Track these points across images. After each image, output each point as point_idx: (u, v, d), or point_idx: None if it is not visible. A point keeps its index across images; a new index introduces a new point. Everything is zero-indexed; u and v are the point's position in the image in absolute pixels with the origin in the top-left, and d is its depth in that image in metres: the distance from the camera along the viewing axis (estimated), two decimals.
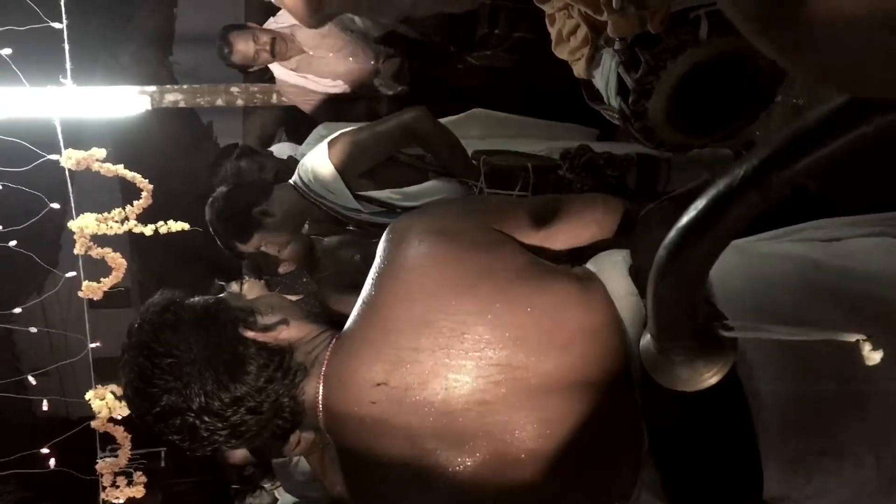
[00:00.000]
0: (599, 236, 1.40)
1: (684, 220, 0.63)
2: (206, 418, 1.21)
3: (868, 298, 1.18)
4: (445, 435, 1.17)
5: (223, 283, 3.69)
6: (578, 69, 2.17)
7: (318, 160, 2.63)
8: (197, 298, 1.33)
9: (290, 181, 2.75)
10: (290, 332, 1.29)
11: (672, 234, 0.65)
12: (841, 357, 1.10)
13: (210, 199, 2.82)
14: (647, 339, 0.78)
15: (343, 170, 2.59)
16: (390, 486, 1.22)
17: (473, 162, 2.64)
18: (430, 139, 2.65)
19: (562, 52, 2.18)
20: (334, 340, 1.29)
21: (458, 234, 1.26)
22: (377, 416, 1.20)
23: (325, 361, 1.26)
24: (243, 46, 3.64)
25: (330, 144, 2.62)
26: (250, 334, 1.26)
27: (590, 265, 1.34)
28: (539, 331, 1.19)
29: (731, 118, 2.08)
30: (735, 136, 2.15)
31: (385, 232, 1.31)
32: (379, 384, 1.19)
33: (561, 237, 1.38)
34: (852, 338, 0.65)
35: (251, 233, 2.72)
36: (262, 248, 2.75)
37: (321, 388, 1.25)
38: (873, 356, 0.63)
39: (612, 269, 1.29)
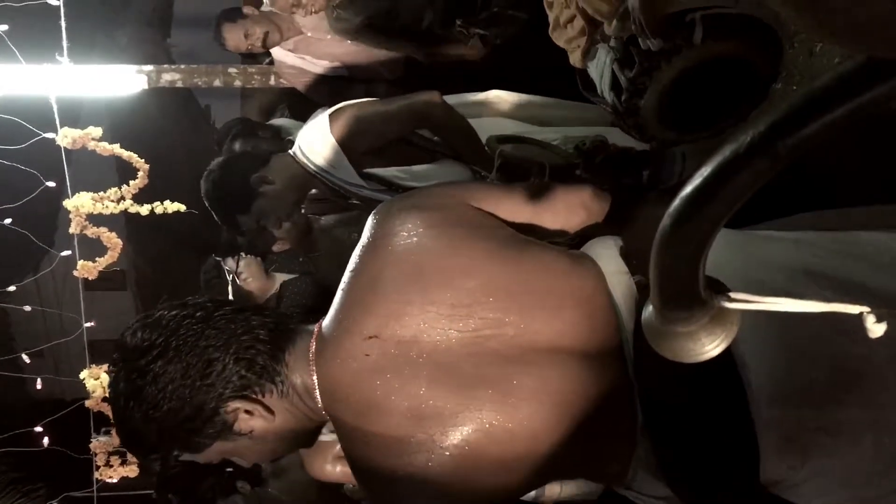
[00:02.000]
0: (588, 221, 1.41)
1: (689, 188, 0.63)
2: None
3: (864, 283, 1.18)
4: (440, 387, 1.18)
5: (219, 258, 3.67)
6: (574, 59, 2.17)
7: (318, 133, 2.51)
8: None
9: (290, 151, 2.63)
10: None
11: (676, 202, 0.64)
12: (836, 341, 1.10)
13: (206, 172, 2.71)
14: (649, 309, 0.78)
15: (346, 145, 2.46)
16: (388, 444, 1.21)
17: (487, 149, 2.52)
18: (442, 126, 2.54)
19: (559, 39, 2.18)
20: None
21: (442, 209, 1.29)
22: (371, 369, 1.20)
23: (318, 325, 1.28)
24: (235, 40, 3.62)
25: (332, 118, 2.48)
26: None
27: (583, 249, 1.36)
28: (528, 291, 1.21)
29: (723, 116, 2.08)
30: (725, 133, 2.15)
31: (371, 215, 1.33)
32: (370, 337, 1.20)
33: (547, 219, 1.38)
34: (856, 310, 0.64)
35: (250, 203, 2.60)
36: (262, 222, 2.63)
37: (313, 348, 1.25)
38: (877, 329, 0.63)
39: (604, 250, 1.31)
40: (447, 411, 1.16)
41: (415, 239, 1.24)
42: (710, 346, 0.75)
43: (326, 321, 1.28)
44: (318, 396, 1.25)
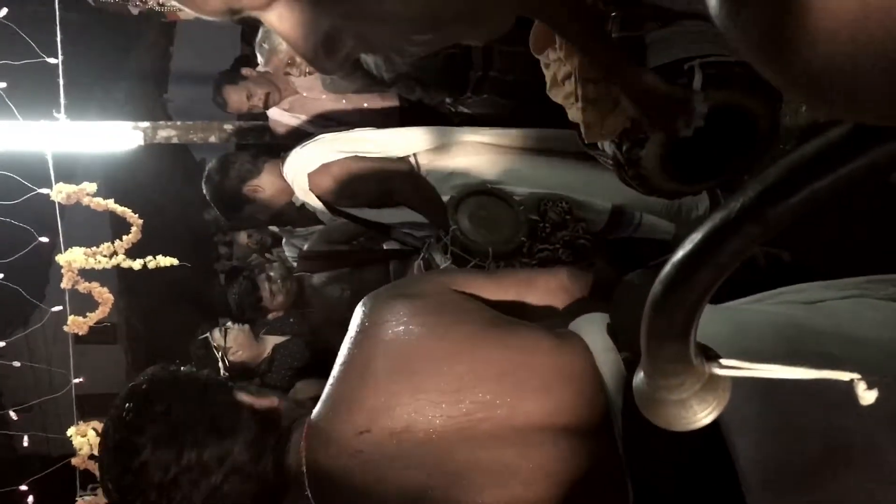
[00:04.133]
0: (570, 301, 1.43)
1: (679, 253, 0.62)
2: (194, 471, 1.20)
3: (848, 356, 1.18)
4: (436, 476, 1.15)
5: (207, 334, 3.66)
6: (572, 114, 2.18)
7: (299, 183, 2.90)
8: (186, 369, 1.35)
9: (280, 160, 3.05)
10: (280, 403, 1.32)
11: (667, 268, 0.64)
12: (824, 412, 1.09)
13: (206, 173, 3.18)
14: (639, 376, 0.77)
15: (322, 197, 2.88)
16: None
17: (447, 205, 2.71)
18: (407, 197, 2.83)
19: (556, 96, 2.20)
20: (317, 404, 1.30)
21: (427, 297, 1.30)
22: (364, 466, 1.18)
23: (307, 423, 1.26)
24: (237, 101, 3.68)
25: (311, 177, 2.84)
26: (245, 398, 1.28)
27: (570, 327, 1.35)
28: (517, 371, 1.20)
29: (725, 166, 2.09)
30: (729, 183, 2.16)
31: (358, 304, 1.34)
32: (362, 432, 1.18)
33: (529, 303, 1.41)
34: (847, 377, 0.64)
35: (244, 204, 3.10)
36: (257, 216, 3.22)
37: (304, 447, 1.24)
38: (868, 396, 0.62)
39: (590, 326, 1.31)
40: (447, 501, 1.14)
41: (401, 328, 1.23)
42: (703, 414, 0.75)
43: (317, 416, 1.26)
44: (309, 494, 1.24)
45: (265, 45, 3.53)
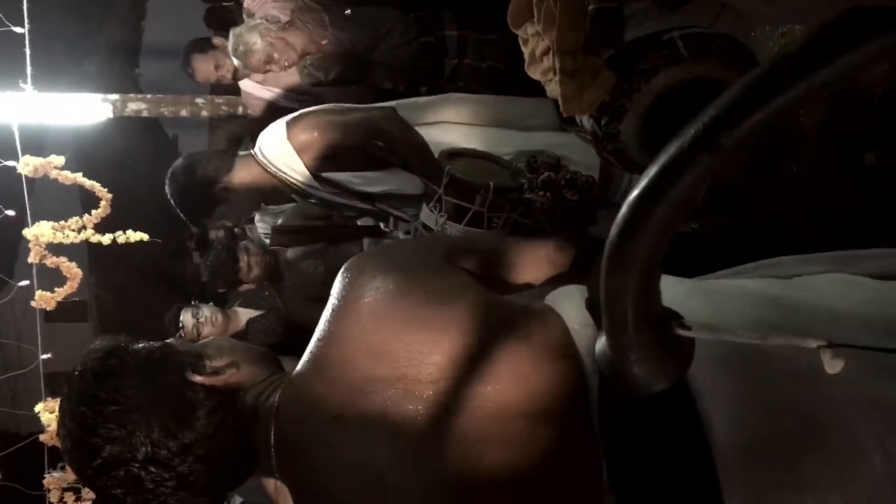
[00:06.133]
0: (553, 273, 1.41)
1: (634, 192, 0.60)
2: (153, 468, 1.16)
3: (824, 333, 1.17)
4: (407, 465, 1.13)
5: (180, 332, 3.60)
6: (551, 90, 2.16)
7: (276, 138, 2.63)
8: (142, 344, 1.29)
9: (251, 151, 2.75)
10: (239, 376, 1.26)
11: (623, 209, 0.61)
12: (800, 390, 1.08)
13: (169, 173, 2.80)
14: (602, 340, 0.75)
15: (301, 152, 2.59)
16: None
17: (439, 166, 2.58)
18: (396, 142, 2.62)
19: (534, 72, 2.17)
20: (287, 381, 1.26)
21: (412, 270, 1.25)
22: (335, 452, 1.15)
23: (277, 402, 1.23)
24: (205, 70, 3.63)
25: (289, 124, 2.61)
26: (198, 379, 1.22)
27: (547, 300, 1.33)
28: (497, 360, 1.17)
29: None
30: None
31: (340, 270, 1.28)
32: (335, 417, 1.15)
33: (515, 273, 1.39)
34: (813, 344, 0.62)
35: (214, 207, 2.75)
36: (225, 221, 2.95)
37: (273, 429, 1.21)
38: (835, 364, 0.60)
39: (569, 301, 1.27)
40: (412, 495, 1.12)
41: (384, 308, 1.19)
42: (663, 376, 0.72)
43: (289, 394, 1.23)
44: (278, 476, 1.22)
45: (240, 49, 3.45)
